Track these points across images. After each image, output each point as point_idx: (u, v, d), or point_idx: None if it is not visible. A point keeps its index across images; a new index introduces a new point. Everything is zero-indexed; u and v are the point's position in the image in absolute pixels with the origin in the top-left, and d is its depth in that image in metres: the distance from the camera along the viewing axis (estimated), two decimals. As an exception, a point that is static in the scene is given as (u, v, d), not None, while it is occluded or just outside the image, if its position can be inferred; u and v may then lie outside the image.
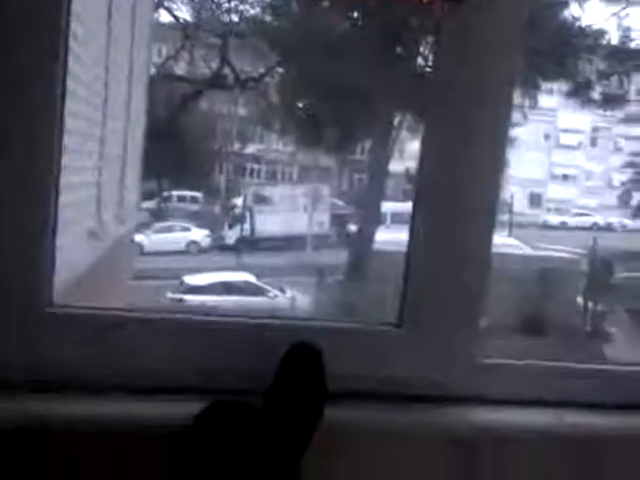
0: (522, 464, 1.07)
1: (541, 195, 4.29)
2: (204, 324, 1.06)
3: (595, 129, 4.10)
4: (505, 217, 4.04)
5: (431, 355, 1.09)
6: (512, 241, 3.89)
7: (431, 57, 1.13)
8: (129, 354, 0.99)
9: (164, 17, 3.50)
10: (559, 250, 3.80)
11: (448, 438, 1.05)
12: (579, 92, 3.50)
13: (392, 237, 3.63)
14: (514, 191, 4.11)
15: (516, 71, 1.10)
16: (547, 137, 4.20)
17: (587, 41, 3.35)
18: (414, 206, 1.11)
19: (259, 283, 3.97)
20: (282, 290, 3.98)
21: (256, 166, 4.27)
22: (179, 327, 1.05)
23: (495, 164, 1.11)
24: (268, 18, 3.52)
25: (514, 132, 3.84)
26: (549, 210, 4.29)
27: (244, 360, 1.00)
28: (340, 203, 4.27)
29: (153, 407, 0.96)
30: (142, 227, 4.06)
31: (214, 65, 3.57)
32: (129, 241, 3.83)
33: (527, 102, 3.62)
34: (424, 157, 1.11)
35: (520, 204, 4.19)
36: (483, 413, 1.09)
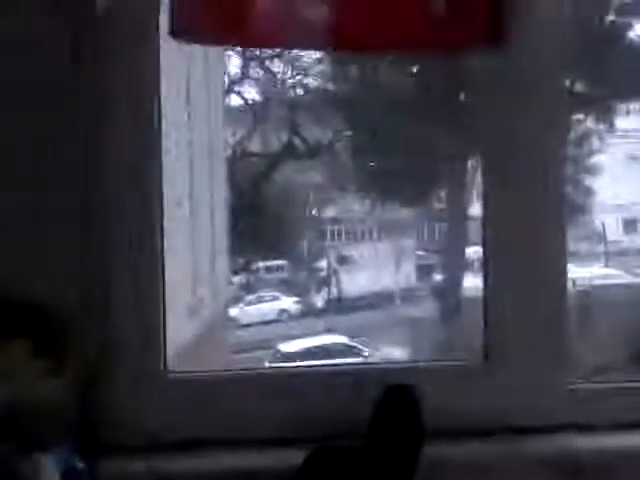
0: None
1: (636, 220, 4.09)
2: (300, 377, 1.12)
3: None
4: (599, 247, 3.87)
5: (521, 386, 1.09)
6: (610, 271, 3.70)
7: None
8: (235, 412, 1.06)
9: (234, 100, 3.74)
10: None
11: (553, 469, 1.03)
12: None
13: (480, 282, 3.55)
14: (605, 219, 3.95)
15: (564, 101, 1.12)
16: (633, 158, 4.04)
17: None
18: (484, 248, 1.13)
19: (353, 343, 3.97)
20: (376, 348, 3.96)
21: (336, 227, 4.35)
22: (277, 382, 1.12)
23: (557, 189, 1.12)
24: (331, 87, 3.68)
25: (595, 159, 3.73)
26: (648, 234, 4.07)
27: (341, 406, 1.04)
28: (424, 254, 4.25)
29: (260, 458, 1.02)
30: (235, 301, 4.20)
31: (285, 138, 3.75)
32: (224, 315, 3.97)
33: (603, 127, 3.53)
34: (486, 199, 1.13)
35: (614, 232, 4.01)
36: (585, 440, 1.07)
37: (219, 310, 3.82)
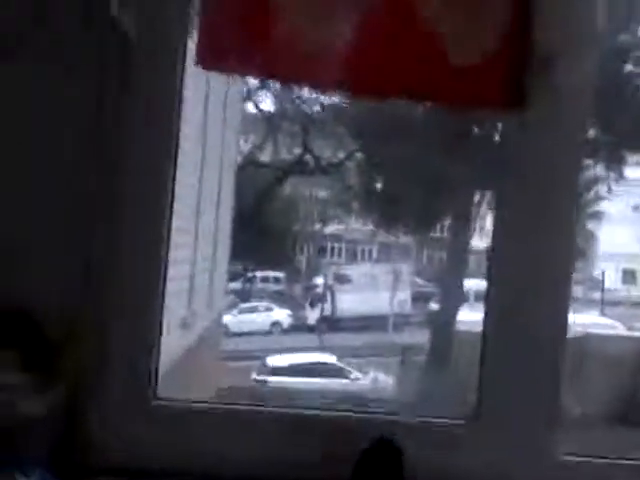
0: None
1: (635, 271, 4.09)
2: (286, 415, 1.10)
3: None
4: (597, 295, 3.86)
5: (508, 449, 1.06)
6: (605, 320, 3.69)
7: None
8: (216, 444, 1.04)
9: (250, 109, 3.75)
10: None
11: None
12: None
13: (475, 316, 3.53)
14: (605, 267, 3.94)
15: (582, 150, 1.12)
16: (637, 209, 4.04)
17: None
18: (488, 286, 1.12)
19: (341, 364, 3.95)
20: (364, 372, 3.93)
21: (336, 245, 4.34)
22: (263, 417, 1.10)
23: (567, 240, 1.10)
24: (346, 106, 3.69)
25: (600, 206, 3.73)
26: (645, 287, 4.06)
27: (323, 451, 1.02)
28: (421, 282, 4.24)
29: None
30: (228, 308, 4.18)
31: (296, 152, 3.75)
32: (218, 324, 3.95)
33: (612, 175, 3.54)
34: (496, 235, 1.12)
35: (612, 281, 4.00)
36: None
37: (213, 320, 3.80)
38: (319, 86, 1.33)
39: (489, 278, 1.13)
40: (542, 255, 1.11)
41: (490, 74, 1.08)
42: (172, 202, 1.14)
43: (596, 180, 3.57)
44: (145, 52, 1.10)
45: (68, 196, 1.08)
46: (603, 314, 3.78)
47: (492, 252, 1.15)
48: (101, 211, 1.09)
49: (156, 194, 1.11)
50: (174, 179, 1.14)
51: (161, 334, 1.11)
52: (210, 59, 1.11)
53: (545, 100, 1.09)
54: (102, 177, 1.08)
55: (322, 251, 4.39)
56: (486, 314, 1.13)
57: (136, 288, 1.09)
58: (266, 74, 1.23)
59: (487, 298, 1.14)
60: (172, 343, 2.28)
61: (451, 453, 1.07)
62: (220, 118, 3.30)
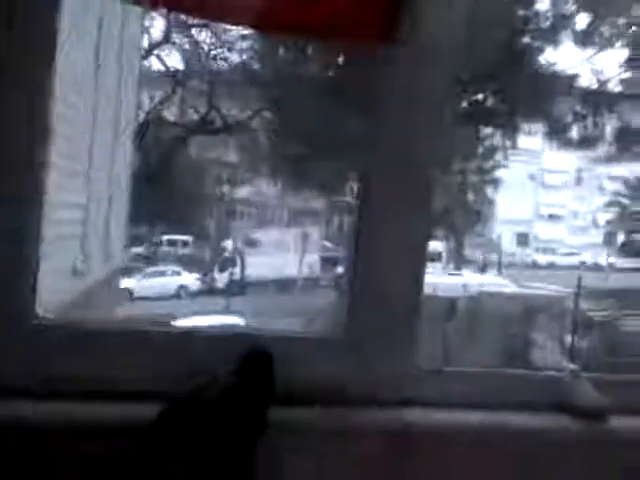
0: (454, 459, 1.17)
1: (528, 235, 4.35)
2: (172, 336, 1.12)
3: (579, 169, 4.21)
4: (494, 256, 4.08)
5: (367, 362, 1.21)
6: (500, 280, 3.93)
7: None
8: (102, 363, 1.04)
9: (155, 64, 3.62)
10: (545, 288, 3.85)
11: (384, 435, 1.11)
12: (556, 133, 3.61)
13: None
14: (501, 231, 4.17)
15: (443, 109, 1.20)
16: (532, 177, 4.28)
17: (562, 84, 3.48)
18: (356, 242, 1.21)
19: (246, 326, 3.97)
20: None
21: (246, 209, 4.32)
22: (148, 339, 1.12)
23: (427, 196, 1.20)
24: (255, 65, 3.64)
25: (498, 173, 3.93)
26: (537, 249, 4.35)
27: (205, 363, 1.07)
28: (330, 245, 4.30)
29: (122, 409, 1.02)
30: (133, 272, 4.08)
31: (202, 110, 3.67)
32: (113, 286, 3.84)
33: (508, 143, 3.72)
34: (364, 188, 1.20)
35: (508, 244, 4.25)
36: (417, 414, 1.15)
37: (108, 280, 3.69)
38: (210, 18, 1.32)
39: (357, 237, 1.22)
40: (405, 206, 1.19)
41: (367, 10, 1.11)
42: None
43: (494, 149, 3.74)
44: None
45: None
46: (500, 274, 4.03)
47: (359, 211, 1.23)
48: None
49: (35, 128, 1.07)
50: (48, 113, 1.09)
51: (39, 257, 1.10)
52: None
53: (413, 39, 1.15)
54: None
55: (231, 214, 4.35)
56: (354, 264, 1.20)
57: (15, 208, 1.07)
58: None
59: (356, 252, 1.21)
60: (62, 290, 2.20)
61: (318, 364, 1.20)
62: (115, 71, 3.16)
